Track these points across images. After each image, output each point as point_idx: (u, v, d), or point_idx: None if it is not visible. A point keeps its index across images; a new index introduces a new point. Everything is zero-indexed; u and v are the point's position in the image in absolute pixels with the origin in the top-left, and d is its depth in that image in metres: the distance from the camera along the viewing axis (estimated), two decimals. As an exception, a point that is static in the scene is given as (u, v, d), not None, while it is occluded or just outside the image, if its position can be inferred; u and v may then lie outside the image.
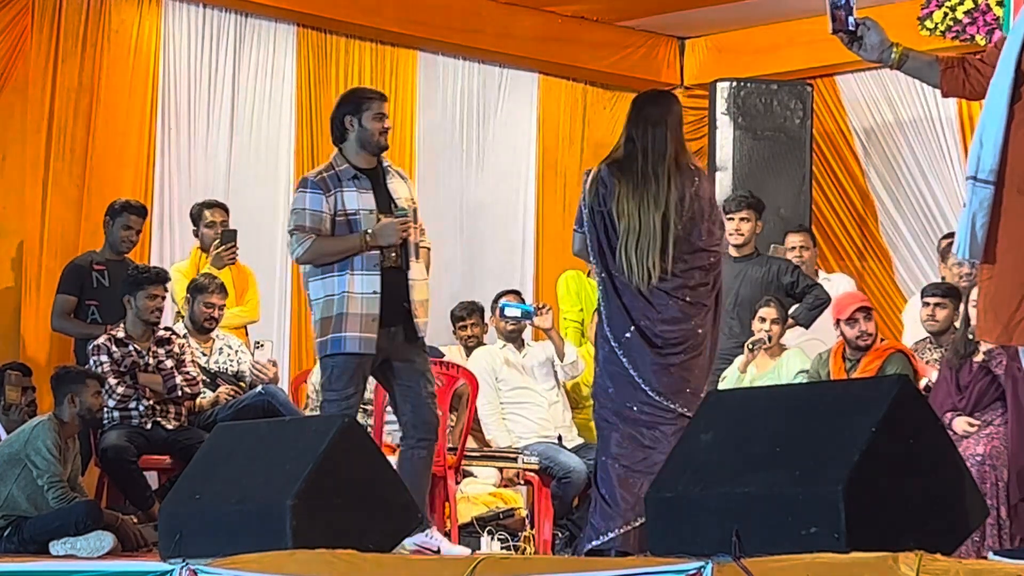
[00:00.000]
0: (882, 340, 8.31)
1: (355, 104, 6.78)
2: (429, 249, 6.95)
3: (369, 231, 6.60)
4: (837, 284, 9.62)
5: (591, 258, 6.33)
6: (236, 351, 8.67)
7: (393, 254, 6.67)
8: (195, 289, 8.50)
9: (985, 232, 4.72)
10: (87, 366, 7.97)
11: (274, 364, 8.65)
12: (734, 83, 11.01)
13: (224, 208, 9.15)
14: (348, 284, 6.59)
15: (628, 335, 6.17)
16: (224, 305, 8.56)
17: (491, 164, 11.40)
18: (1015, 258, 4.68)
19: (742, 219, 9.15)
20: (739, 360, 8.68)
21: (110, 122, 9.83)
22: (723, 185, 10.69)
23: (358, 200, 6.68)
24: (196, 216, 9.14)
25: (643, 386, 6.13)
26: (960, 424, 7.53)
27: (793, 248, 9.72)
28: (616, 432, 6.18)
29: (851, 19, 5.00)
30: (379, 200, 6.72)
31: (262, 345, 8.59)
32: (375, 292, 6.59)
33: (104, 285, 8.70)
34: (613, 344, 6.20)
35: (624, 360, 6.17)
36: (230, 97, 10.37)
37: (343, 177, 6.69)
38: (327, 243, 6.63)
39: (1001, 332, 4.74)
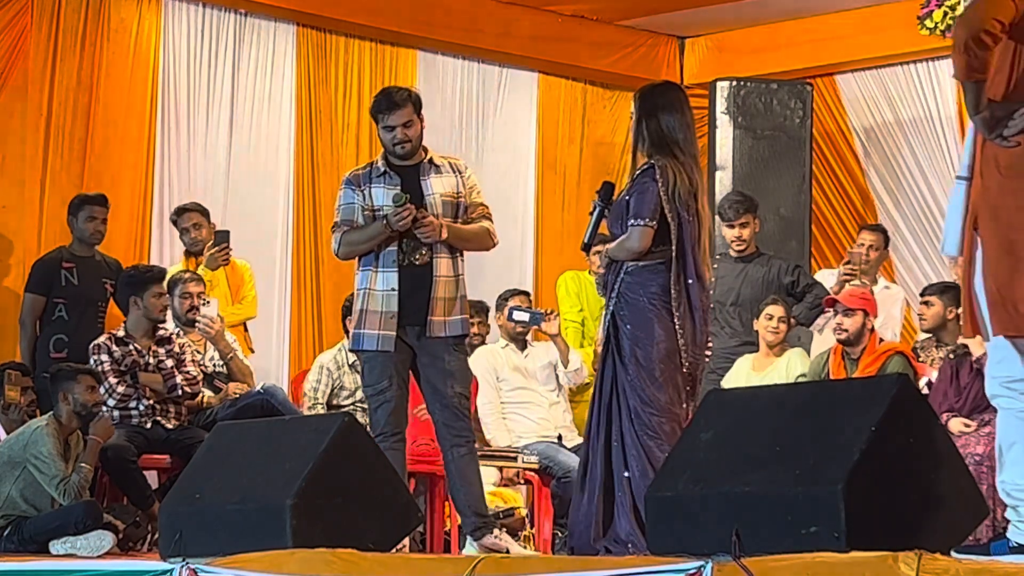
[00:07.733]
0: (881, 341, 8.30)
1: (372, 116, 6.88)
2: (489, 231, 6.91)
3: (387, 217, 6.66)
4: (895, 295, 9.55)
5: None
6: (231, 345, 8.67)
7: (423, 250, 6.71)
8: (171, 285, 8.51)
9: (959, 228, 4.77)
10: (88, 364, 7.98)
11: (222, 320, 8.60)
12: (734, 82, 10.99)
13: (201, 211, 9.11)
14: (370, 280, 6.71)
15: None
16: (203, 292, 8.55)
17: (491, 164, 11.39)
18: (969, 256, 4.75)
19: (742, 225, 9.10)
20: (745, 359, 8.68)
21: (109, 121, 9.82)
22: (723, 184, 10.68)
23: (385, 196, 6.76)
24: (174, 221, 9.15)
25: None
26: (956, 425, 7.54)
27: (862, 245, 9.42)
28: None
29: None
30: (408, 196, 6.72)
31: (208, 302, 8.54)
32: (392, 289, 6.67)
33: (72, 283, 8.69)
34: None
35: None
36: (230, 96, 10.37)
37: (373, 174, 6.80)
38: (354, 233, 6.77)
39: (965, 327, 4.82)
